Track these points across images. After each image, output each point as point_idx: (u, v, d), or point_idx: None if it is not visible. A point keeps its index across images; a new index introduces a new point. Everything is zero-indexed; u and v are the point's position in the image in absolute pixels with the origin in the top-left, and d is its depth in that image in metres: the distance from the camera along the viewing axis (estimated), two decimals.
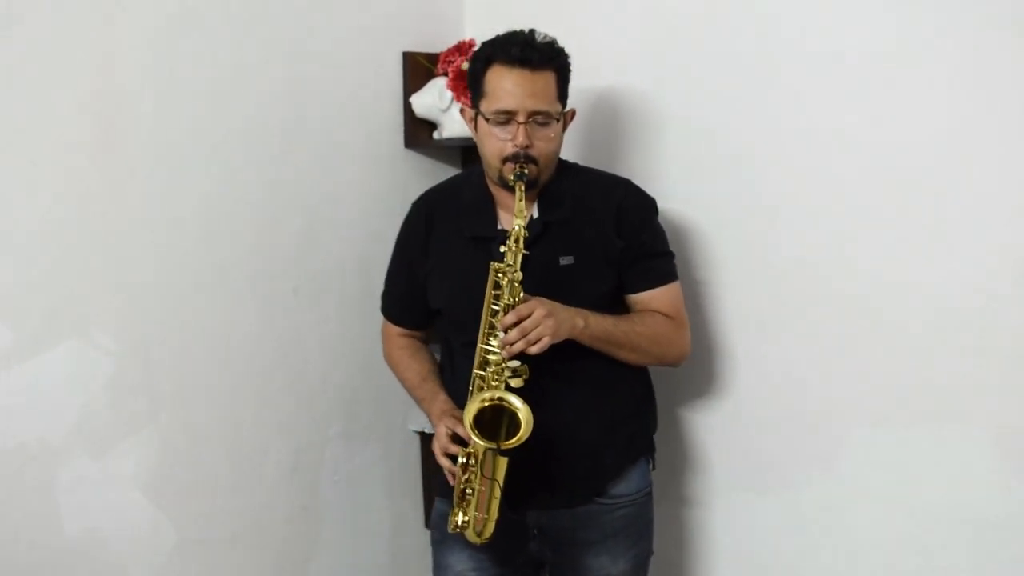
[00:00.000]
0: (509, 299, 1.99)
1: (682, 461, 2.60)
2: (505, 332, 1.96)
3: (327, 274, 2.63)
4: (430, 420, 2.22)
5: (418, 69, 2.76)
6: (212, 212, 2.39)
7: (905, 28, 2.17)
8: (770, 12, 2.34)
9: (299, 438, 2.60)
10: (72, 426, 2.19)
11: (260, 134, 2.46)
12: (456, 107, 2.67)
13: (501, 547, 2.16)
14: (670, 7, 2.49)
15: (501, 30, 2.17)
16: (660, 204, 2.25)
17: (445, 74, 2.69)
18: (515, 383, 1.99)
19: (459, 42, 2.72)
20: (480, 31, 2.73)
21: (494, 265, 2.02)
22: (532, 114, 2.05)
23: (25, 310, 2.12)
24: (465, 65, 2.63)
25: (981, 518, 2.18)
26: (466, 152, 2.92)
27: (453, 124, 2.70)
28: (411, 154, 2.81)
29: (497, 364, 2.00)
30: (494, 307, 2.02)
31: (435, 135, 2.78)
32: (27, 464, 2.13)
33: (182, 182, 2.33)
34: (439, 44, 2.76)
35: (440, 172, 2.87)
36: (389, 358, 2.39)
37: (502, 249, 2.01)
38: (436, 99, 2.70)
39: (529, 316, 1.96)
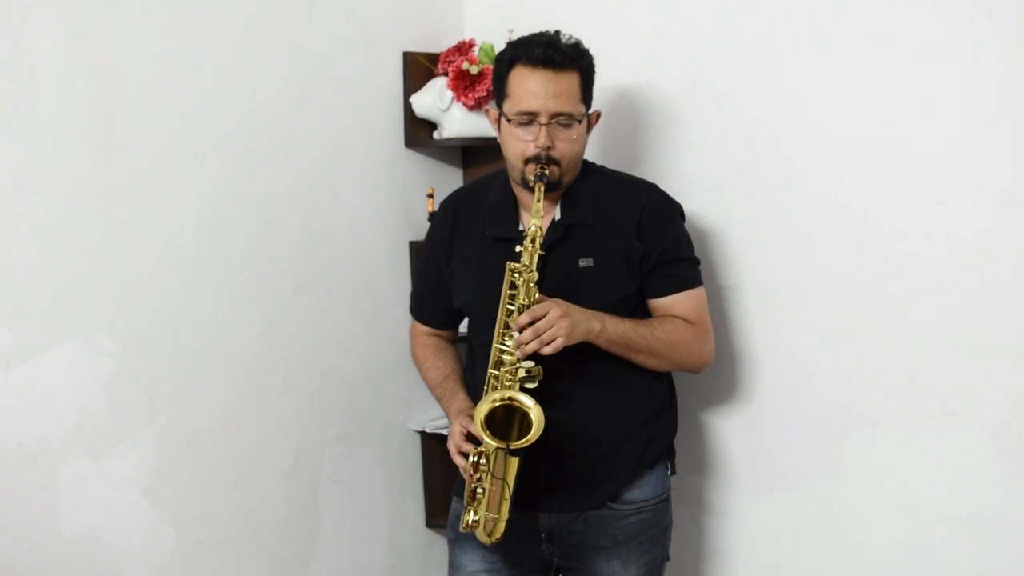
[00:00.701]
0: (524, 299, 1.99)
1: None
2: (519, 332, 1.96)
3: (327, 274, 2.62)
4: (448, 417, 2.22)
5: (418, 69, 2.76)
6: (212, 212, 2.39)
7: (918, 33, 2.18)
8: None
9: (298, 438, 2.60)
10: (72, 427, 2.19)
11: (260, 134, 2.46)
12: (456, 107, 2.67)
13: (514, 548, 2.16)
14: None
15: (500, 30, 2.17)
16: (683, 207, 2.24)
17: (445, 74, 2.69)
18: (529, 386, 1.99)
19: (459, 42, 2.72)
20: (480, 31, 2.74)
21: (510, 265, 2.02)
22: (554, 115, 2.04)
23: (25, 310, 2.11)
24: (465, 65, 2.63)
25: (981, 519, 2.19)
26: (467, 152, 2.92)
27: (453, 124, 2.70)
28: (411, 154, 2.80)
29: (511, 364, 2.00)
30: (509, 307, 2.02)
31: (435, 135, 2.77)
32: (27, 464, 2.13)
33: (182, 182, 2.33)
34: (439, 44, 2.76)
35: (440, 172, 2.86)
36: (415, 357, 2.40)
37: (518, 249, 2.02)
38: (436, 99, 2.69)
39: (544, 317, 1.96)
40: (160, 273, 2.30)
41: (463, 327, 2.37)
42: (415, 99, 2.74)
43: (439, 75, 2.73)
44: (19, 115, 2.08)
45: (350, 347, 2.68)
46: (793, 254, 2.40)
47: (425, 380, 2.36)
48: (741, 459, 2.54)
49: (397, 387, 2.77)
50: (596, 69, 2.14)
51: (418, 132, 2.78)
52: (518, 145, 2.08)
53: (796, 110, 2.35)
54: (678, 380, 2.31)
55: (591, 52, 2.12)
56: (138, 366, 2.28)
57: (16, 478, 2.12)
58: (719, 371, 2.47)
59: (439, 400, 2.29)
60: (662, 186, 2.23)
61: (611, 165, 2.31)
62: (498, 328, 2.03)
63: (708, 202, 2.47)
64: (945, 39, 2.15)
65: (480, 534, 2.07)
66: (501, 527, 2.04)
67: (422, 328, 2.38)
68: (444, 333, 2.38)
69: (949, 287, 2.19)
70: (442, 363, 2.31)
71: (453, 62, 2.66)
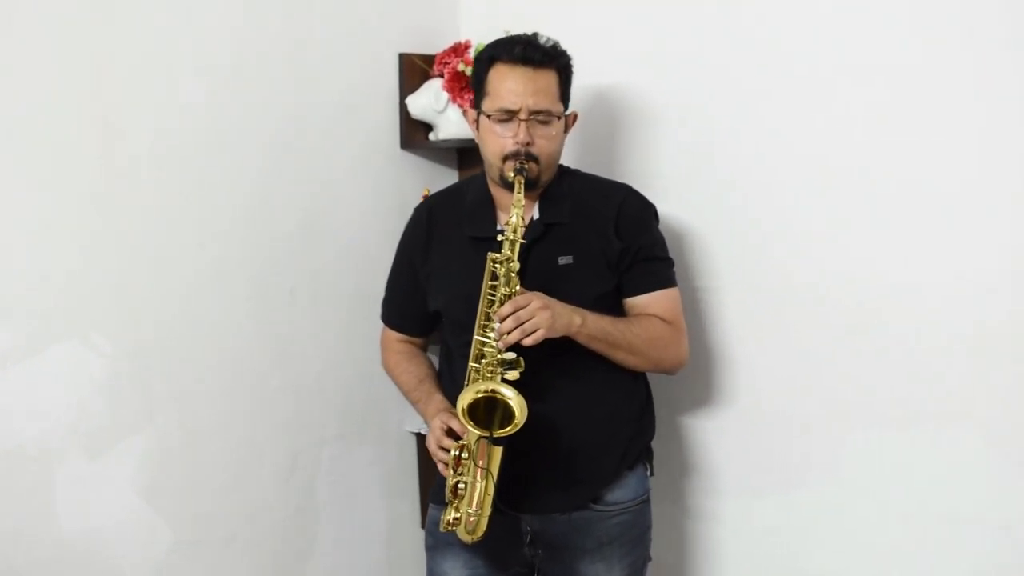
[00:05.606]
0: (506, 290, 1.99)
1: (682, 467, 2.60)
2: (501, 322, 1.96)
3: (324, 275, 2.63)
4: (425, 420, 2.21)
5: (414, 70, 2.76)
6: (209, 213, 2.39)
7: (904, 32, 2.18)
8: (772, 15, 2.34)
9: (296, 439, 2.60)
10: (69, 427, 2.19)
11: (257, 135, 2.47)
12: (452, 108, 2.68)
13: (497, 552, 2.16)
14: (670, 10, 2.49)
15: (496, 31, 2.18)
16: (658, 209, 2.26)
17: (441, 75, 2.69)
18: (510, 376, 1.97)
19: (455, 43, 2.72)
20: (476, 32, 2.74)
21: (491, 255, 2.02)
22: (533, 112, 2.06)
23: (23, 311, 2.12)
24: (461, 66, 2.63)
25: (978, 520, 2.18)
26: (462, 153, 2.92)
27: (449, 125, 2.70)
28: (407, 155, 2.81)
29: (492, 356, 1.99)
30: (490, 297, 2.01)
31: (431, 136, 2.78)
32: (24, 464, 2.13)
33: (179, 183, 2.33)
34: (435, 45, 2.77)
35: (436, 173, 2.87)
36: (386, 364, 2.38)
37: (500, 239, 2.02)
38: (432, 100, 2.70)
39: (525, 307, 1.96)
40: (157, 273, 2.31)
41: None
42: (411, 100, 2.74)
43: (435, 76, 2.74)
44: (15, 115, 2.08)
45: (347, 348, 2.68)
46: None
47: (399, 386, 2.34)
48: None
49: (393, 389, 2.75)
50: (580, 71, 2.16)
51: (414, 133, 2.78)
52: (497, 142, 2.09)
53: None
54: (660, 383, 2.32)
55: (575, 54, 2.14)
56: (135, 367, 2.28)
57: (14, 478, 2.12)
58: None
59: (415, 404, 2.27)
60: (640, 187, 2.24)
61: (589, 166, 2.33)
62: (479, 320, 2.02)
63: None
64: (925, 42, 2.15)
65: (461, 532, 2.05)
66: (483, 524, 2.01)
67: (394, 335, 2.37)
68: (416, 340, 2.37)
69: (943, 287, 2.19)
70: (416, 368, 2.30)
71: (449, 63, 2.67)
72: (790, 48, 2.32)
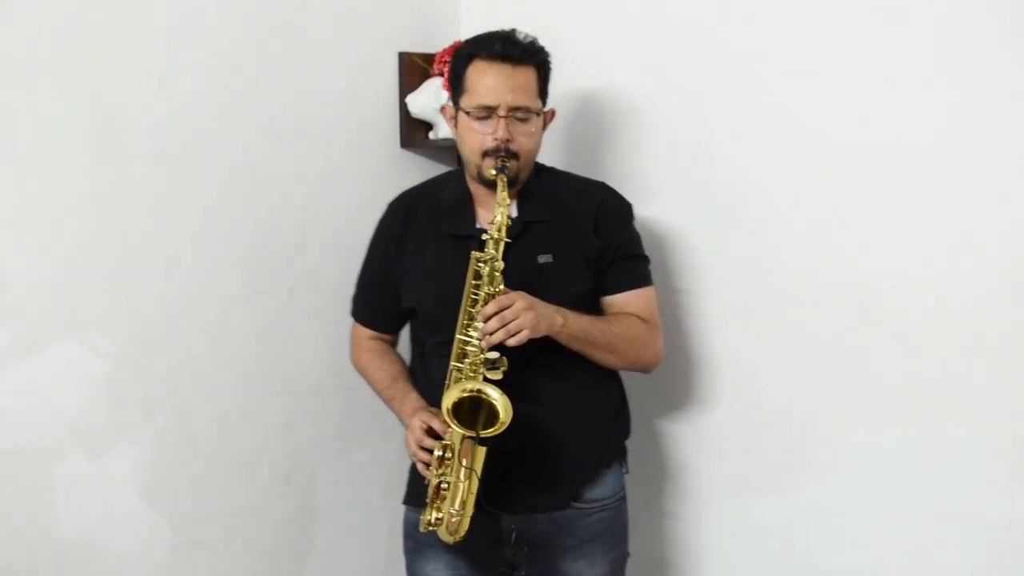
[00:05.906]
0: (489, 289, 1.99)
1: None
2: (485, 322, 1.95)
3: (323, 275, 2.62)
4: (401, 419, 2.21)
5: (414, 69, 2.76)
6: (208, 213, 2.39)
7: (897, 31, 2.18)
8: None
9: (295, 439, 2.60)
10: (69, 427, 2.19)
11: (256, 134, 2.46)
12: None
13: (478, 553, 2.15)
14: (662, 11, 2.50)
15: (496, 29, 2.18)
16: (640, 209, 2.26)
17: (441, 74, 2.69)
18: (493, 375, 1.97)
19: (455, 42, 2.71)
20: (476, 31, 2.72)
21: (475, 254, 2.02)
22: (512, 109, 2.06)
23: (22, 311, 2.12)
24: None
25: (977, 520, 2.19)
26: None
27: None
28: (407, 154, 2.81)
29: (475, 356, 1.99)
30: (474, 296, 2.01)
31: (431, 135, 2.78)
32: (24, 464, 2.13)
33: (179, 183, 2.33)
34: (435, 44, 2.76)
35: (436, 172, 2.83)
36: (357, 362, 2.38)
37: (484, 237, 2.02)
38: (432, 99, 2.70)
39: (510, 307, 1.96)
40: (157, 273, 2.31)
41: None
42: (411, 99, 2.74)
43: (435, 75, 2.73)
44: (16, 115, 2.08)
45: (347, 348, 2.67)
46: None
47: (372, 384, 2.33)
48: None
49: None
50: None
51: (414, 132, 2.78)
52: (476, 139, 2.08)
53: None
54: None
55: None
56: (135, 366, 2.28)
57: (13, 478, 2.12)
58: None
59: (389, 402, 2.27)
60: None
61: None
62: (461, 319, 2.02)
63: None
64: (925, 42, 2.15)
65: (443, 533, 2.04)
66: (465, 524, 2.01)
67: (365, 332, 2.36)
68: (387, 337, 2.36)
69: (940, 286, 2.19)
70: (388, 365, 2.30)
71: (448, 62, 2.66)
72: (790, 48, 2.32)
